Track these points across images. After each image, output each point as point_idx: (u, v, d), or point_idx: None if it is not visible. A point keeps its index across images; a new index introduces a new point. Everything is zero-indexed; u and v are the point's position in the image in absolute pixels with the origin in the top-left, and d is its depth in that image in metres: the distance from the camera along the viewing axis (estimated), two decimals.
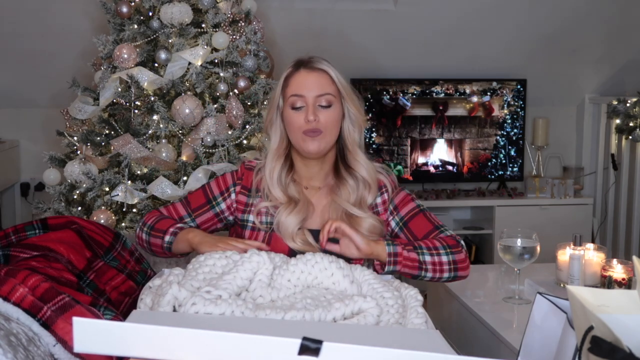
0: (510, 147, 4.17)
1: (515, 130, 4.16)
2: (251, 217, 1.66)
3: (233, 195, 1.68)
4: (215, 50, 2.60)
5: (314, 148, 1.60)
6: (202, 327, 0.88)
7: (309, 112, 1.57)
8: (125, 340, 0.89)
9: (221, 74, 2.58)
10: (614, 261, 2.01)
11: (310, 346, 0.84)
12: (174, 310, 1.21)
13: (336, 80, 1.60)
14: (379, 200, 1.68)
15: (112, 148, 2.50)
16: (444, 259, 1.58)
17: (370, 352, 0.85)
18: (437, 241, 1.61)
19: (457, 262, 1.60)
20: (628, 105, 3.89)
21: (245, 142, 2.60)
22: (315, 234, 1.61)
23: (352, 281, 1.36)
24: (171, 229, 1.63)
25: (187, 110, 2.46)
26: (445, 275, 1.60)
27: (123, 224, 2.49)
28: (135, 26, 2.57)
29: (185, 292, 1.21)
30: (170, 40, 2.57)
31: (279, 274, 1.34)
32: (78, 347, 0.89)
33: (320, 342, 0.84)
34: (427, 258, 1.57)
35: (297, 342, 0.84)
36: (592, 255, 2.11)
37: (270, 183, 1.64)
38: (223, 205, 1.69)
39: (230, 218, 1.70)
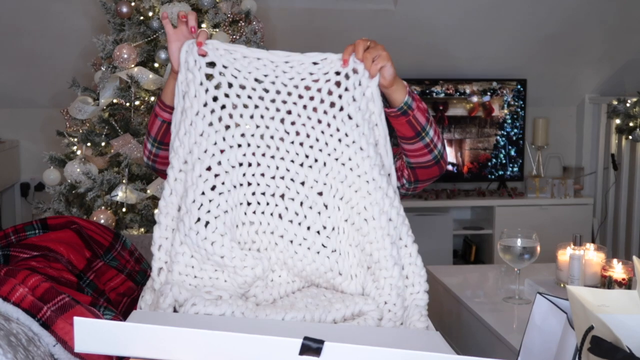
0: (510, 147, 4.17)
1: (515, 130, 4.16)
2: None
3: None
4: None
5: None
6: (202, 328, 0.88)
7: None
8: (126, 340, 0.89)
9: None
10: (614, 261, 2.01)
11: (311, 346, 0.84)
12: (175, 311, 1.21)
13: None
14: None
15: (112, 148, 2.50)
16: (439, 132, 1.44)
17: (372, 352, 0.85)
18: None
19: (445, 147, 1.45)
20: (628, 105, 3.89)
21: None
22: None
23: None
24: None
25: None
26: (439, 145, 1.41)
27: (123, 224, 2.49)
28: (135, 26, 2.57)
29: (186, 293, 1.21)
30: None
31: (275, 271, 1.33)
32: (79, 347, 0.89)
33: (321, 342, 0.84)
34: (431, 116, 1.42)
35: (298, 342, 0.84)
36: (592, 255, 2.11)
37: None
38: None
39: None
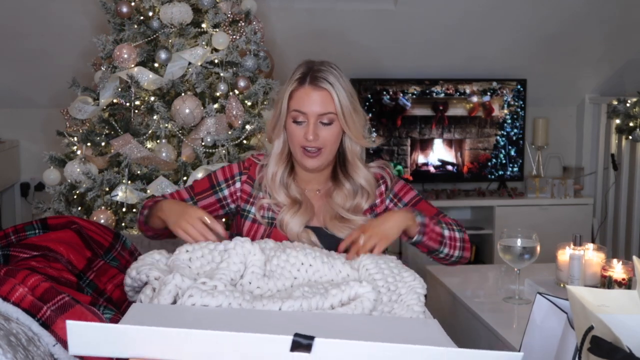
0: (510, 147, 4.17)
1: (515, 130, 4.16)
2: (253, 209, 1.68)
3: (238, 184, 1.70)
4: (215, 50, 2.59)
5: (312, 165, 1.63)
6: (199, 320, 0.88)
7: (310, 131, 1.58)
8: (120, 341, 0.89)
9: (221, 74, 2.58)
10: (614, 261, 2.00)
11: (302, 342, 0.84)
12: (175, 300, 1.21)
13: (337, 105, 1.59)
14: (376, 192, 1.71)
15: (112, 148, 2.50)
16: (457, 235, 1.64)
17: (362, 346, 0.86)
18: (449, 219, 1.69)
19: (464, 241, 1.66)
20: (628, 105, 3.89)
21: (245, 142, 2.60)
22: (317, 231, 1.64)
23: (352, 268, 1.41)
24: (150, 203, 1.66)
25: (187, 110, 2.46)
26: (456, 253, 1.64)
27: (123, 224, 2.49)
28: (135, 26, 2.57)
29: (189, 281, 1.22)
30: (170, 40, 2.57)
31: (278, 265, 1.36)
32: (73, 350, 0.90)
33: (312, 338, 0.84)
34: (447, 233, 1.62)
35: (289, 339, 0.85)
36: (592, 255, 2.10)
37: (272, 186, 1.66)
38: (226, 192, 1.70)
39: (233, 206, 1.72)
